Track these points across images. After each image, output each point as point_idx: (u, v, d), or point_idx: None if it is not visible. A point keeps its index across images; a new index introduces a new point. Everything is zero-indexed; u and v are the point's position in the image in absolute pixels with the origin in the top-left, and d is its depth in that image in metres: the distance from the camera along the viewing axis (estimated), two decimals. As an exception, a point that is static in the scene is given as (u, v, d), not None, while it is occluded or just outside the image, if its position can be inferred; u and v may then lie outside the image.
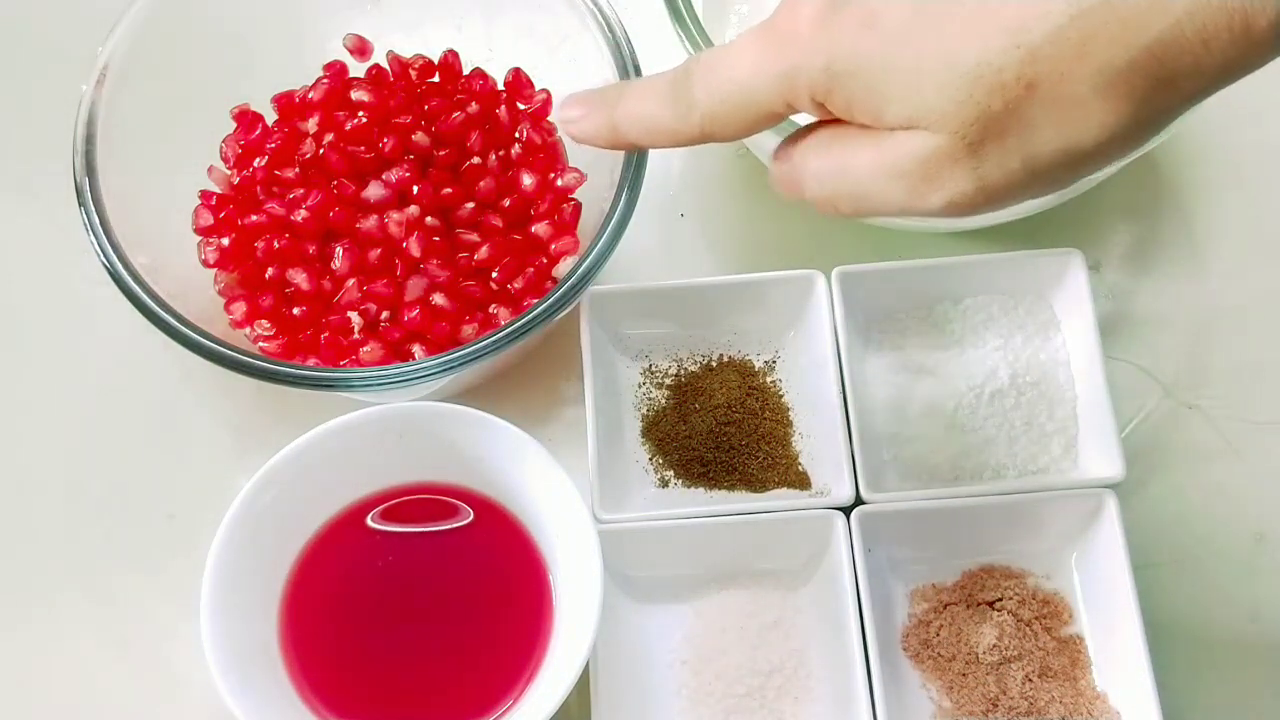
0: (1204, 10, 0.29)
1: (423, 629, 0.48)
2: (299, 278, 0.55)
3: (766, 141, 0.53)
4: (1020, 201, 0.34)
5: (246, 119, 0.58)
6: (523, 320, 0.49)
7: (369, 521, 0.50)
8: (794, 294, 0.54)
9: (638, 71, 0.54)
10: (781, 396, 0.55)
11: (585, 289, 0.51)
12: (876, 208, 0.36)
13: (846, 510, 0.50)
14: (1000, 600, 0.51)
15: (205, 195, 0.57)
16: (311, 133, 0.57)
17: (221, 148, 0.59)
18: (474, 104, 0.58)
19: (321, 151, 0.57)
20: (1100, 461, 0.51)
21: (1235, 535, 0.55)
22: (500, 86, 0.59)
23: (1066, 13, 0.30)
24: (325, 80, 0.59)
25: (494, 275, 0.55)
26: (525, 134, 0.58)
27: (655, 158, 0.53)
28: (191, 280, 0.55)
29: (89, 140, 0.53)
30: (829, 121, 0.37)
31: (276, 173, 0.57)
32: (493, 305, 0.55)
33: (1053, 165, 0.33)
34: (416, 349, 0.54)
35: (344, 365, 0.53)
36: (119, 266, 0.51)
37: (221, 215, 0.57)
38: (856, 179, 0.36)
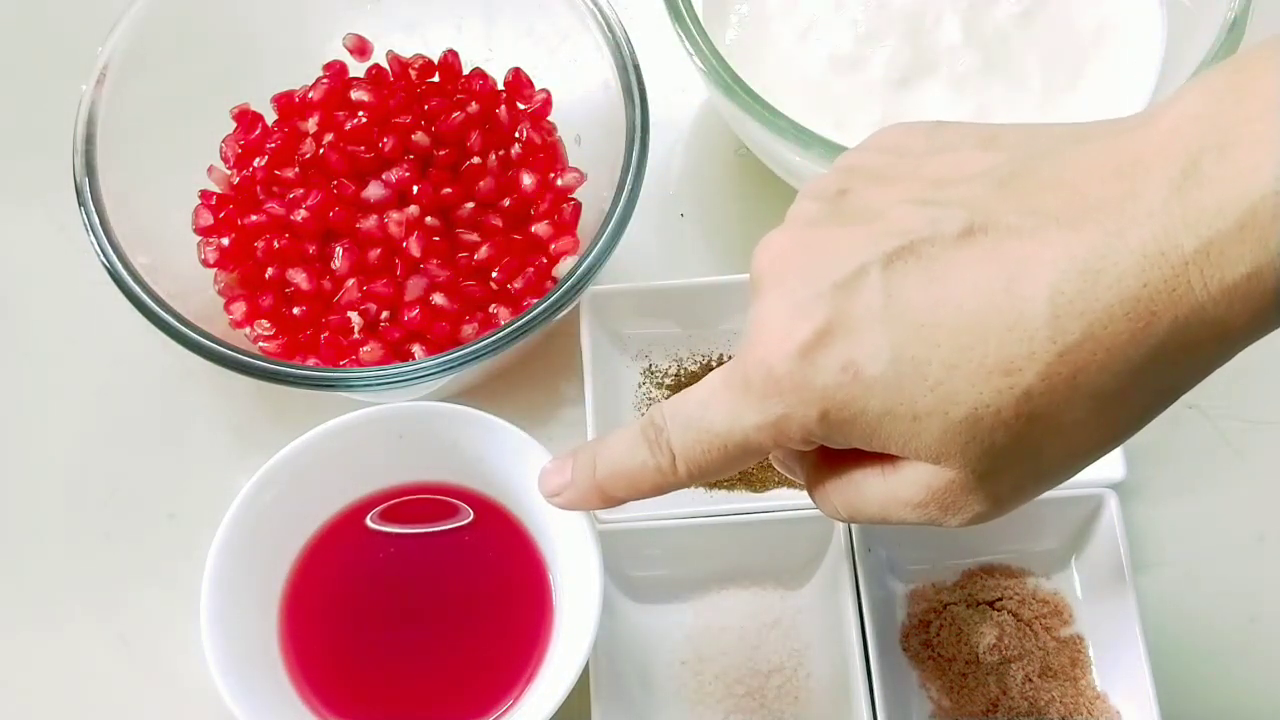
0: (1186, 329, 0.29)
1: (423, 629, 0.48)
2: (299, 277, 0.55)
3: (770, 144, 0.53)
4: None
5: (246, 119, 0.58)
6: (523, 320, 0.49)
7: (369, 521, 0.50)
8: (794, 294, 0.54)
9: (638, 71, 0.54)
10: (781, 396, 0.55)
11: (585, 289, 0.51)
12: (895, 524, 0.37)
13: (847, 510, 0.50)
14: (1000, 600, 0.51)
15: (205, 195, 0.57)
16: (311, 132, 0.57)
17: (221, 147, 0.59)
18: (474, 104, 0.58)
19: (321, 151, 0.57)
20: (1102, 461, 0.50)
21: (1235, 535, 0.55)
22: (500, 86, 0.60)
23: (1053, 350, 0.30)
24: (325, 80, 0.59)
25: (494, 275, 0.55)
26: (525, 134, 0.58)
27: (655, 158, 0.53)
28: (191, 280, 0.55)
29: (89, 140, 0.53)
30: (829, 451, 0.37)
31: (276, 172, 0.57)
32: (493, 305, 0.55)
33: (1061, 472, 0.34)
34: (416, 349, 0.54)
35: (344, 365, 0.53)
36: (119, 266, 0.51)
37: (221, 215, 0.57)
38: (875, 512, 0.36)
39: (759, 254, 0.36)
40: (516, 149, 0.58)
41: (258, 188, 0.57)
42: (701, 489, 0.53)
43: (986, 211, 0.32)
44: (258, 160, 0.58)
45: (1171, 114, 0.30)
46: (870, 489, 0.35)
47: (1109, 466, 0.50)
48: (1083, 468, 0.33)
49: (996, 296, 0.31)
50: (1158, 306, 0.29)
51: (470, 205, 0.56)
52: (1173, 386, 0.32)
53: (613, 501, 0.41)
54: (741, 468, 0.38)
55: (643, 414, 0.54)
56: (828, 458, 0.37)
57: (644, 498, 0.40)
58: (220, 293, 0.55)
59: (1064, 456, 0.33)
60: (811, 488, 0.38)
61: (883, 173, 0.35)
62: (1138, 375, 0.30)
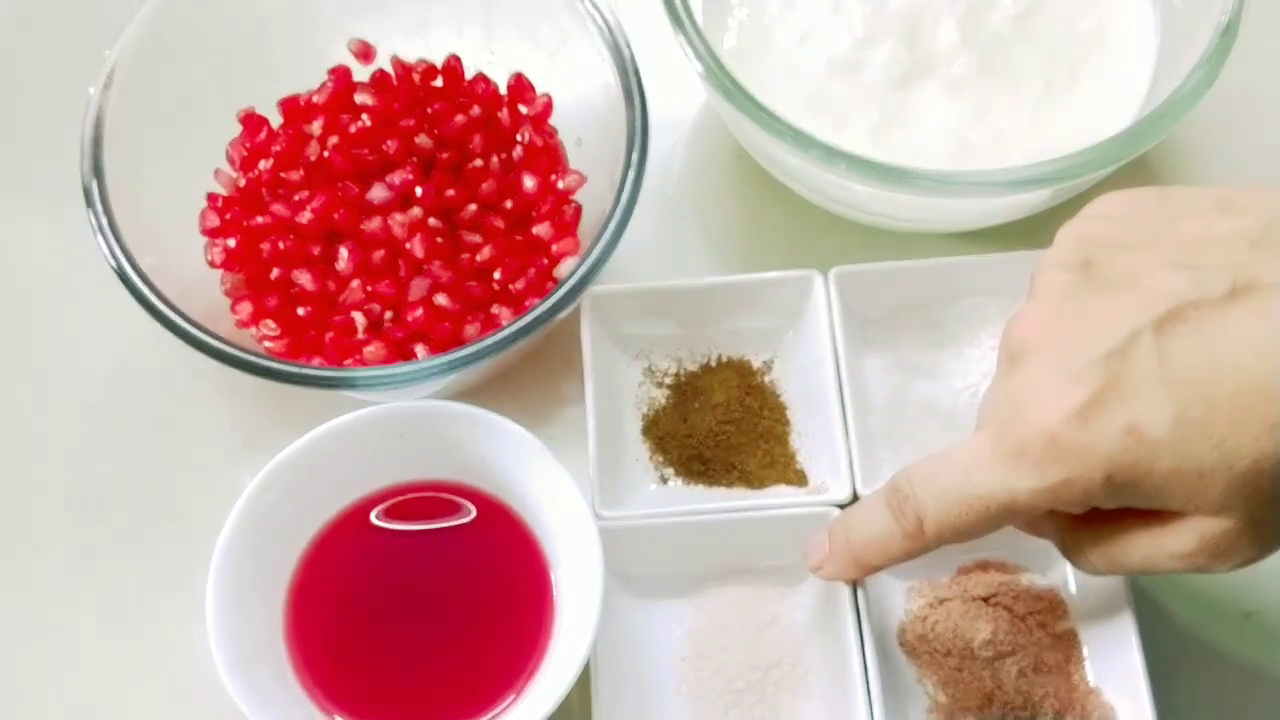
0: None
1: (425, 626, 0.49)
2: (304, 278, 0.55)
3: (769, 147, 0.54)
4: None
5: (252, 122, 0.59)
6: (524, 320, 0.50)
7: (373, 519, 0.50)
8: (792, 294, 0.55)
9: (637, 75, 0.54)
10: (780, 395, 0.55)
11: (586, 289, 0.51)
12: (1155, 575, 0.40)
13: (844, 507, 0.50)
14: (996, 596, 0.51)
15: (212, 197, 0.58)
16: (316, 135, 0.58)
17: (227, 150, 0.59)
18: (476, 107, 0.58)
19: (326, 154, 0.57)
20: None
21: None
22: (502, 90, 0.60)
23: None
24: (330, 84, 0.59)
25: (496, 276, 0.55)
26: (527, 137, 0.58)
27: (655, 159, 0.54)
28: (198, 281, 0.55)
29: (96, 143, 0.53)
30: (1096, 514, 0.38)
31: (282, 175, 0.57)
32: (495, 306, 0.55)
33: None
34: (419, 349, 0.54)
35: (348, 365, 0.53)
36: (126, 267, 0.51)
37: (228, 217, 0.57)
38: (1138, 565, 0.38)
39: (1014, 327, 0.38)
40: (518, 151, 0.58)
41: (263, 190, 0.57)
42: (701, 486, 0.53)
43: (1246, 272, 0.34)
44: (263, 163, 0.58)
45: None
46: (1136, 545, 0.37)
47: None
48: None
49: (1272, 355, 0.33)
50: None
51: (473, 207, 0.57)
52: None
53: (870, 568, 0.44)
54: (995, 529, 0.39)
55: (643, 413, 0.55)
56: (1085, 519, 0.38)
57: (899, 562, 0.42)
58: (226, 293, 0.56)
59: None
60: (1067, 547, 0.40)
61: (1124, 240, 0.37)
62: None
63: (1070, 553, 0.40)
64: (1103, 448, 0.35)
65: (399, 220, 0.55)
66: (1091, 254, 0.38)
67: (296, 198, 0.56)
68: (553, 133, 0.59)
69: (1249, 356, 0.33)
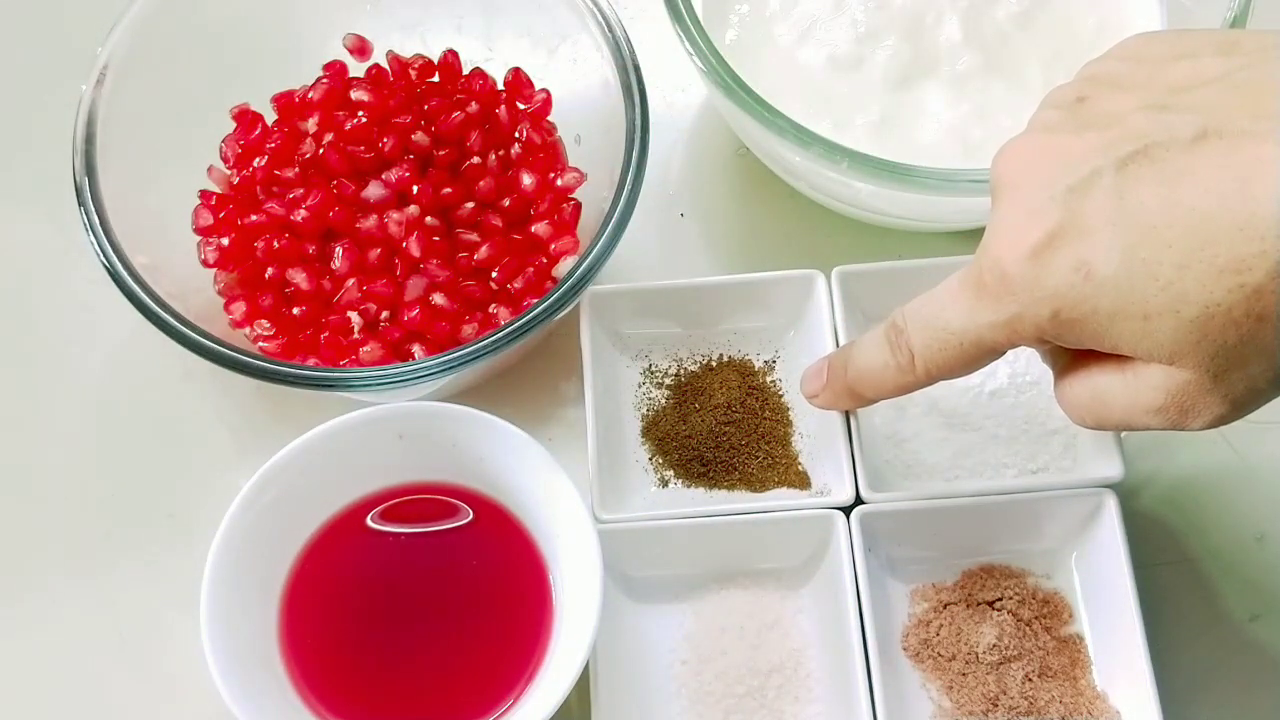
0: None
1: (423, 629, 0.48)
2: (299, 277, 0.55)
3: (769, 144, 0.53)
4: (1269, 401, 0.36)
5: (246, 119, 0.58)
6: (522, 320, 0.49)
7: (369, 521, 0.50)
8: (794, 294, 0.54)
9: (637, 70, 0.54)
10: (781, 396, 0.55)
11: (585, 289, 0.51)
12: (1140, 430, 0.38)
13: (846, 510, 0.50)
14: (1000, 600, 0.51)
15: (205, 195, 0.57)
16: (311, 132, 0.58)
17: (221, 147, 0.59)
18: (474, 104, 0.58)
19: (321, 151, 0.57)
20: (1100, 461, 0.51)
21: (1235, 535, 0.55)
22: (500, 86, 0.60)
23: None
24: (325, 80, 0.59)
25: (494, 275, 0.55)
26: (525, 134, 0.58)
27: (655, 157, 0.53)
28: (191, 280, 0.55)
29: (89, 140, 0.53)
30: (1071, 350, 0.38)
31: (276, 172, 0.57)
32: (492, 305, 0.55)
33: None
34: (416, 349, 0.54)
35: (344, 365, 0.53)
36: (118, 266, 0.51)
37: (221, 215, 0.57)
38: (1118, 417, 0.37)
39: (998, 160, 0.38)
40: (516, 149, 0.58)
41: (258, 188, 0.57)
42: (701, 488, 0.53)
43: (1220, 116, 0.33)
44: (258, 160, 0.58)
45: None
46: (1113, 396, 0.36)
47: (1109, 465, 0.50)
48: None
49: (1228, 198, 0.31)
50: None
51: (470, 205, 0.56)
52: None
53: (863, 400, 0.45)
54: (978, 367, 0.39)
55: (643, 414, 0.55)
56: (1070, 363, 0.38)
57: (890, 396, 0.43)
58: (220, 293, 0.56)
59: None
60: (1059, 391, 0.40)
61: (1121, 80, 0.36)
62: None
63: (1061, 400, 0.40)
64: (1050, 284, 0.35)
65: (395, 218, 0.55)
66: (1088, 92, 0.37)
67: (291, 195, 0.56)
68: (551, 129, 0.59)
69: (1205, 200, 0.32)
